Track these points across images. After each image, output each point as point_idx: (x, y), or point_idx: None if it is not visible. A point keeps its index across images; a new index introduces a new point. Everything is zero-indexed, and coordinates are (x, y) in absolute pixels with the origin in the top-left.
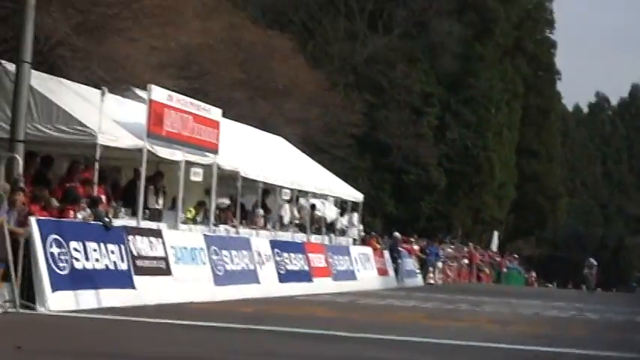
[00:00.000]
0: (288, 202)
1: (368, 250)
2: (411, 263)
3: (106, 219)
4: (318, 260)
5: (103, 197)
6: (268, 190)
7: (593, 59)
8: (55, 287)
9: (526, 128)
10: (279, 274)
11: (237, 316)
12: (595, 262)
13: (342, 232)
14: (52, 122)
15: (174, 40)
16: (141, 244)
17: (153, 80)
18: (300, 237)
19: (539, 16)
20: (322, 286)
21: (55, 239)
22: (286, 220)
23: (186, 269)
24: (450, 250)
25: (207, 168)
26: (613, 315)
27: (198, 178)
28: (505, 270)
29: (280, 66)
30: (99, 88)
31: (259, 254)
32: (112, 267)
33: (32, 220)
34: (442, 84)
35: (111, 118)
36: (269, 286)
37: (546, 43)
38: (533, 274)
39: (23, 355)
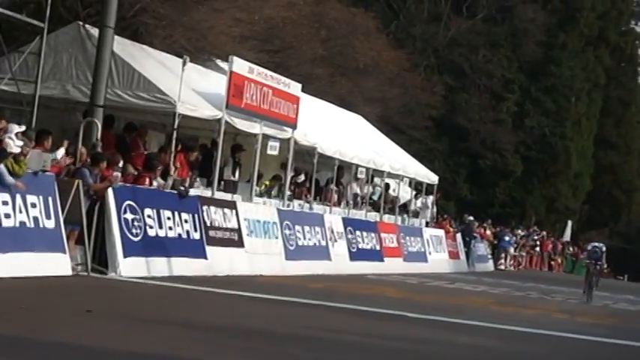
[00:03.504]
0: (359, 180)
1: (440, 232)
2: (482, 248)
3: (182, 188)
4: (390, 240)
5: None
6: (343, 167)
7: None
8: (127, 253)
9: (605, 119)
10: (350, 251)
11: (307, 291)
12: (603, 249)
13: (416, 214)
14: (132, 89)
15: (257, 13)
16: (214, 215)
17: (234, 52)
18: (373, 216)
19: (625, 7)
20: (393, 266)
21: (130, 205)
22: (359, 198)
23: (258, 242)
24: (535, 237)
25: (284, 142)
26: None
27: (275, 152)
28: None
29: (362, 44)
30: (180, 57)
31: (332, 231)
32: (184, 236)
33: (115, 174)
34: (523, 71)
35: (191, 88)
36: (340, 263)
37: (630, 35)
38: (605, 266)
39: (93, 318)
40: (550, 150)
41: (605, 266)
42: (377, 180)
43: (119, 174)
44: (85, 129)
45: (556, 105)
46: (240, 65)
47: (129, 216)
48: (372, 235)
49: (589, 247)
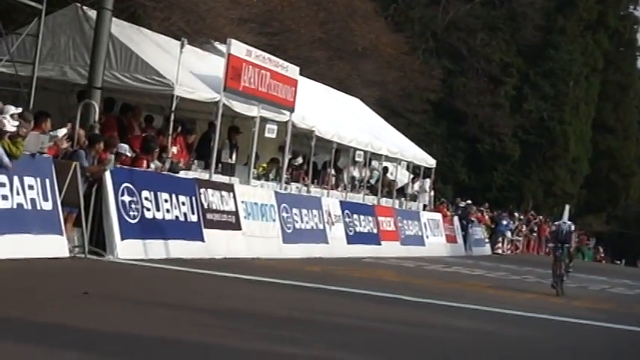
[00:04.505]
0: (357, 163)
1: (438, 216)
2: (480, 232)
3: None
4: (387, 224)
5: (174, 148)
6: (341, 150)
7: None
8: (125, 235)
9: (603, 103)
10: (347, 235)
11: (304, 274)
12: (571, 228)
13: (413, 197)
14: (130, 71)
15: None
16: (212, 198)
17: (232, 34)
18: (370, 199)
19: None
20: (390, 249)
21: (127, 188)
22: (357, 181)
23: (255, 225)
24: (535, 222)
25: (281, 125)
26: None
27: (272, 135)
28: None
29: (360, 27)
30: (178, 40)
31: (329, 214)
32: (182, 218)
33: (110, 156)
34: (522, 55)
35: (189, 70)
36: (337, 246)
37: (629, 19)
38: (602, 250)
39: (90, 300)
40: (548, 134)
41: (601, 251)
42: (375, 163)
43: (112, 157)
44: (82, 111)
45: (554, 89)
46: (239, 48)
47: (126, 198)
48: (370, 218)
49: (552, 228)
